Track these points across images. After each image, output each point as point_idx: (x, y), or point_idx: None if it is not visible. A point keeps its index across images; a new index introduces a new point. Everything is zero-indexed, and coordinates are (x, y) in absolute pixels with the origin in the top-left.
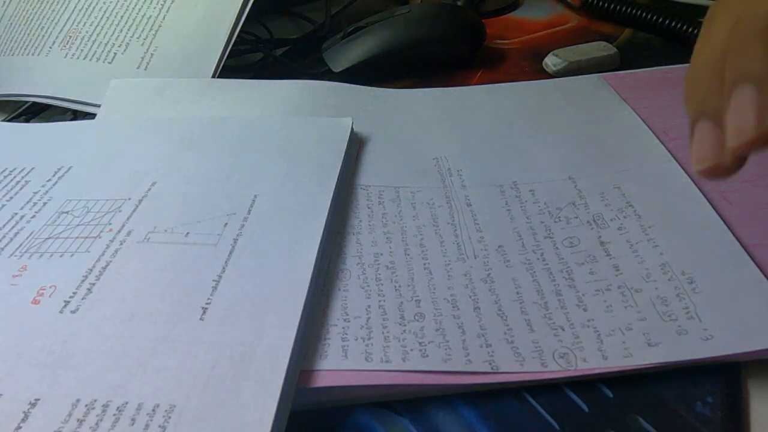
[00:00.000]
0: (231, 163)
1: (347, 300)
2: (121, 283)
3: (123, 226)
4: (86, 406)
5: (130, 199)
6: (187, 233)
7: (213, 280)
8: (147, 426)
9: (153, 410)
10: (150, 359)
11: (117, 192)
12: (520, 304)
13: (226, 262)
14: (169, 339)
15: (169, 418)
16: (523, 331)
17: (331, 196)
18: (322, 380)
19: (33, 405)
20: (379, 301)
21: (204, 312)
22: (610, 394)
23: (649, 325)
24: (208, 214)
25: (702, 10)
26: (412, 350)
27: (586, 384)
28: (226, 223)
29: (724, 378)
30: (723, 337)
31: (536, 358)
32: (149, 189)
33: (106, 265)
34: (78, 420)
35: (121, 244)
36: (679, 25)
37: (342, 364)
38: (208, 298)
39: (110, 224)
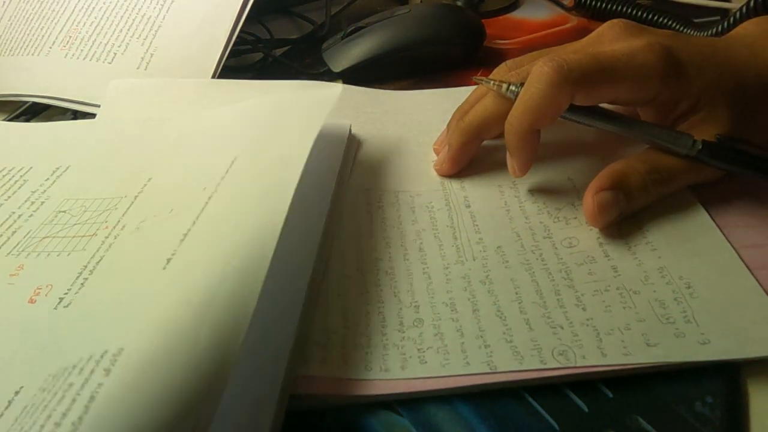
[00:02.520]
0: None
1: (347, 306)
2: (114, 275)
3: (118, 222)
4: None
5: (126, 197)
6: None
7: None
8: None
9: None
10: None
11: (115, 191)
12: (519, 304)
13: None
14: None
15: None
16: (521, 330)
17: (329, 200)
18: (322, 388)
19: (17, 393)
20: (379, 307)
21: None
22: (610, 395)
23: (647, 326)
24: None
25: (702, 10)
26: (410, 357)
27: (586, 384)
28: None
29: (724, 378)
30: (720, 342)
31: (535, 356)
32: (145, 185)
33: (100, 260)
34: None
35: (115, 238)
36: (677, 26)
37: (342, 372)
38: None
39: (106, 222)
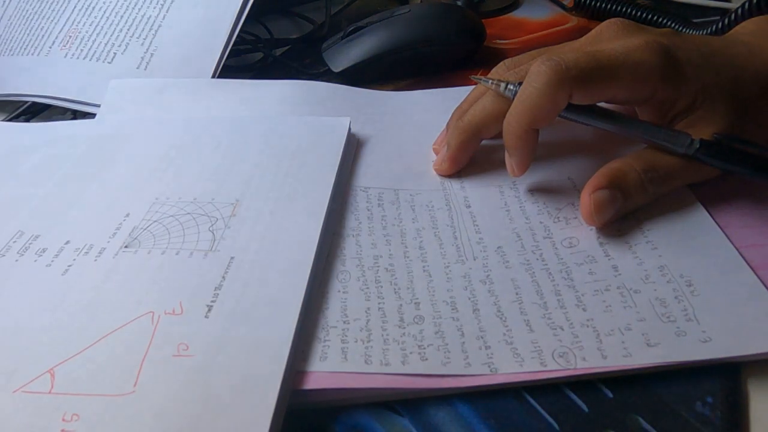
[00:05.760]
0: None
1: (347, 302)
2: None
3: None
4: None
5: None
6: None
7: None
8: None
9: None
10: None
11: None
12: (519, 304)
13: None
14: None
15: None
16: (522, 331)
17: (329, 196)
18: (322, 382)
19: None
20: (379, 303)
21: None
22: (610, 394)
23: (648, 325)
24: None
25: (702, 10)
26: (411, 353)
27: (586, 384)
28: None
29: (724, 378)
30: (721, 339)
31: (535, 358)
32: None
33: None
34: None
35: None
36: (676, 26)
37: (342, 366)
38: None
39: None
